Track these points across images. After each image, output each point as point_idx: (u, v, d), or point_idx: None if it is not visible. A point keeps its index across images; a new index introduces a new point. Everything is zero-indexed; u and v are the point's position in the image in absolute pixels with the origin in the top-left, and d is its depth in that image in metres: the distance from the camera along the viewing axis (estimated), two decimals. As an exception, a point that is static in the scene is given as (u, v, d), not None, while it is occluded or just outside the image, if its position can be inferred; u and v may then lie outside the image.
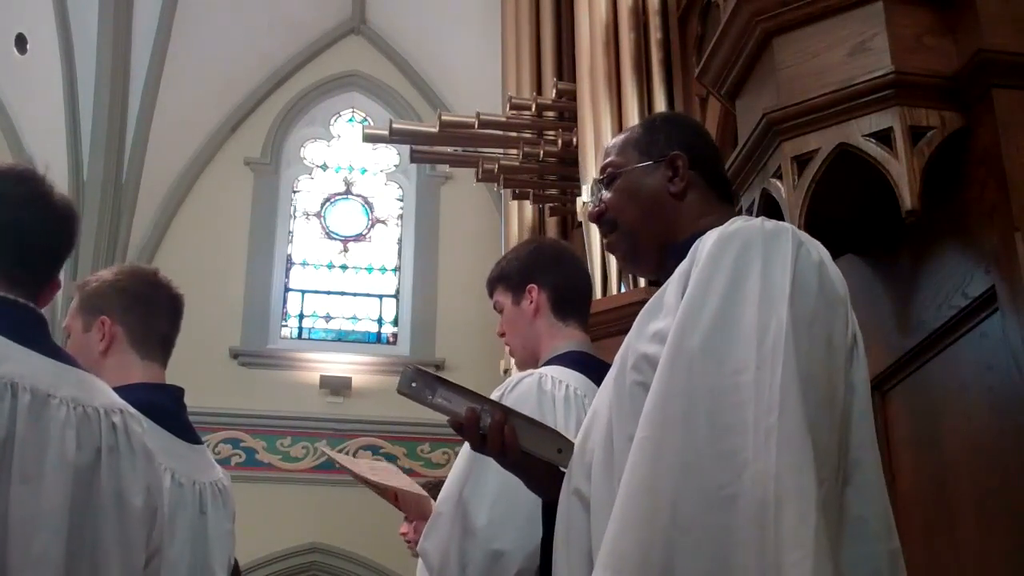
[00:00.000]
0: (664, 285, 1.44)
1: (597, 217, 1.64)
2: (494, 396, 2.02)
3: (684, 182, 1.56)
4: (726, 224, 1.39)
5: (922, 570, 2.16)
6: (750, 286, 1.29)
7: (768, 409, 1.19)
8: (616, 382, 1.41)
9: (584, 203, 4.25)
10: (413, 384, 1.48)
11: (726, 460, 1.19)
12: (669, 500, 1.20)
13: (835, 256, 2.39)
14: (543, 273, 2.19)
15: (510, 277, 2.23)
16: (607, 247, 1.67)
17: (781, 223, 1.40)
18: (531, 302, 2.18)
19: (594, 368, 2.08)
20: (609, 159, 1.64)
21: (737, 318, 1.27)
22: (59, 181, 1.84)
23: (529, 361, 2.24)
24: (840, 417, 1.29)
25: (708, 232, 1.39)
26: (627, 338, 1.44)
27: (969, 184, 2.08)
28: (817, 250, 1.38)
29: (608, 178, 1.62)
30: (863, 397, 1.35)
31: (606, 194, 1.62)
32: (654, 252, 1.58)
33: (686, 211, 1.56)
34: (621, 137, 1.68)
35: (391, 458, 8.52)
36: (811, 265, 1.34)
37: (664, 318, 1.36)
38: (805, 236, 1.38)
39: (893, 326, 2.30)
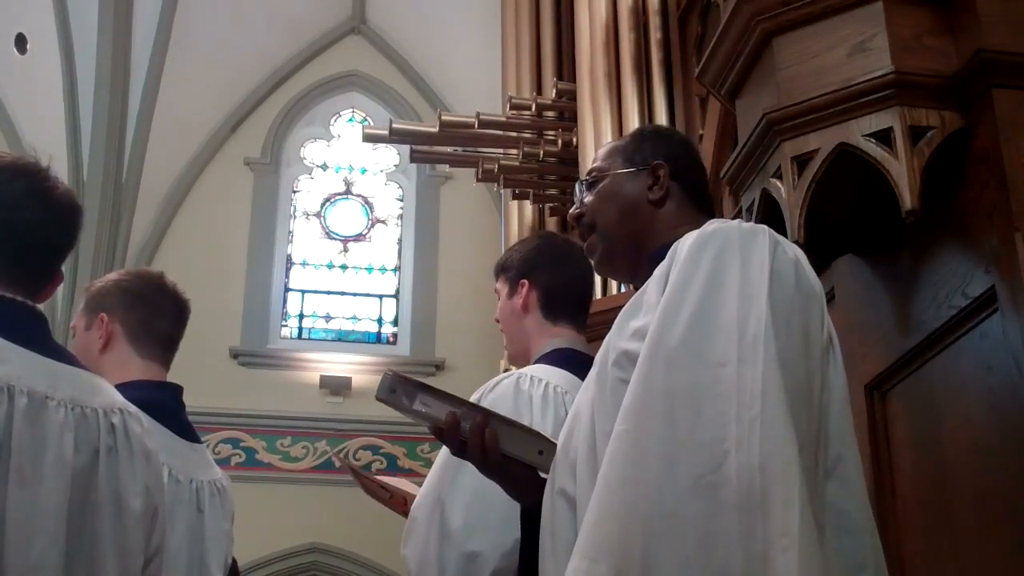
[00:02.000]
0: (644, 285, 1.45)
1: (577, 219, 1.68)
2: (473, 397, 2.02)
3: (663, 191, 1.60)
4: (704, 225, 1.42)
5: (922, 569, 2.16)
6: (729, 282, 1.31)
7: (751, 401, 1.21)
8: (598, 380, 1.42)
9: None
10: (393, 391, 1.47)
11: (707, 450, 1.20)
12: (649, 489, 1.20)
13: (835, 256, 2.42)
14: (539, 271, 2.19)
15: (510, 268, 2.23)
16: (585, 249, 1.70)
17: (757, 224, 1.43)
18: (520, 298, 2.18)
19: (583, 365, 2.06)
20: (595, 164, 1.69)
21: (717, 313, 1.29)
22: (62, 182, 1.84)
23: (519, 355, 2.24)
24: (817, 408, 1.31)
25: (687, 234, 1.42)
26: (608, 337, 1.45)
27: (969, 184, 2.08)
28: (793, 250, 1.41)
29: (591, 181, 1.67)
30: (841, 393, 1.38)
31: (587, 197, 1.66)
32: (628, 256, 1.61)
33: (663, 219, 1.59)
34: (610, 144, 1.73)
35: (391, 458, 8.53)
36: (787, 262, 1.37)
37: (644, 316, 1.38)
38: (780, 236, 1.41)
39: (893, 326, 2.30)
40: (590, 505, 1.25)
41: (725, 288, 1.31)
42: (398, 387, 1.46)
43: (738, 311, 1.28)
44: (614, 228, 1.62)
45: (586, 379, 1.51)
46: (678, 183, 1.62)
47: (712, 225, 1.41)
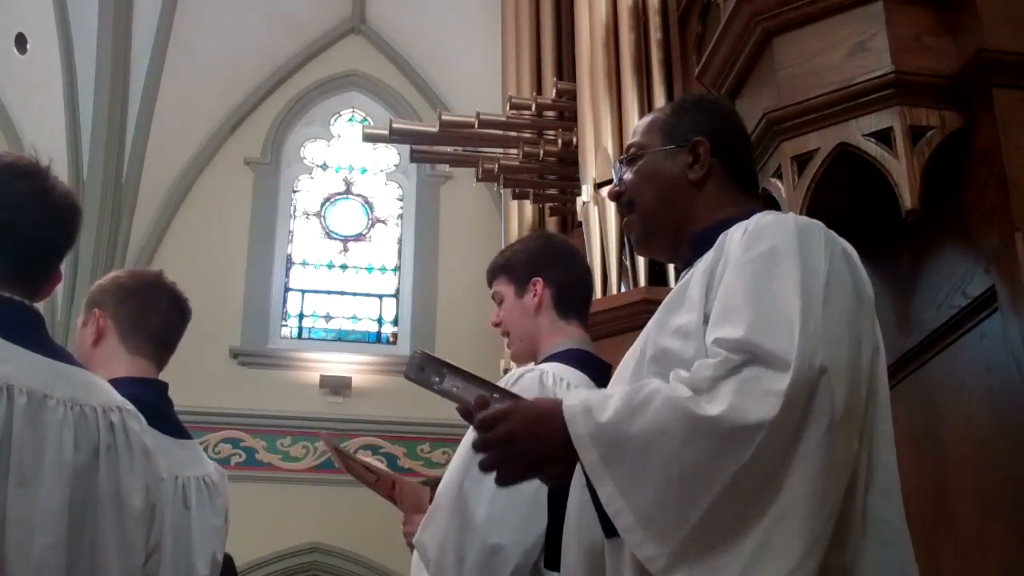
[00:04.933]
0: (686, 279, 1.42)
1: (616, 196, 1.62)
2: None
3: (704, 170, 1.54)
4: (757, 216, 1.37)
5: (922, 569, 2.16)
6: (788, 281, 1.26)
7: (814, 434, 1.18)
8: (635, 375, 1.39)
9: (584, 202, 4.26)
10: (422, 369, 1.46)
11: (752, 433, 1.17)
12: (678, 448, 1.18)
13: (835, 256, 2.41)
14: (550, 268, 2.19)
15: (515, 268, 2.22)
16: (624, 227, 1.66)
17: (813, 220, 1.38)
18: (534, 295, 2.17)
19: (594, 366, 2.08)
20: (634, 139, 1.62)
21: (775, 312, 1.23)
22: (61, 182, 1.84)
23: (526, 354, 2.24)
24: (861, 420, 1.27)
25: (736, 225, 1.37)
26: (645, 331, 1.42)
27: (969, 184, 2.08)
28: (847, 248, 1.36)
29: (630, 158, 1.61)
30: (885, 399, 1.35)
31: (627, 174, 1.60)
32: (668, 237, 1.56)
33: (705, 200, 1.53)
34: (649, 117, 1.65)
35: (391, 458, 8.52)
36: (843, 265, 1.32)
37: (687, 313, 1.34)
38: (834, 234, 1.36)
39: (893, 326, 2.30)
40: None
41: (783, 287, 1.25)
42: (427, 366, 1.45)
43: (801, 312, 1.21)
44: (653, 209, 1.55)
45: (618, 371, 1.49)
46: (720, 160, 1.54)
47: (766, 217, 1.36)
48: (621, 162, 1.63)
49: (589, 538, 1.37)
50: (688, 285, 1.39)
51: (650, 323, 1.42)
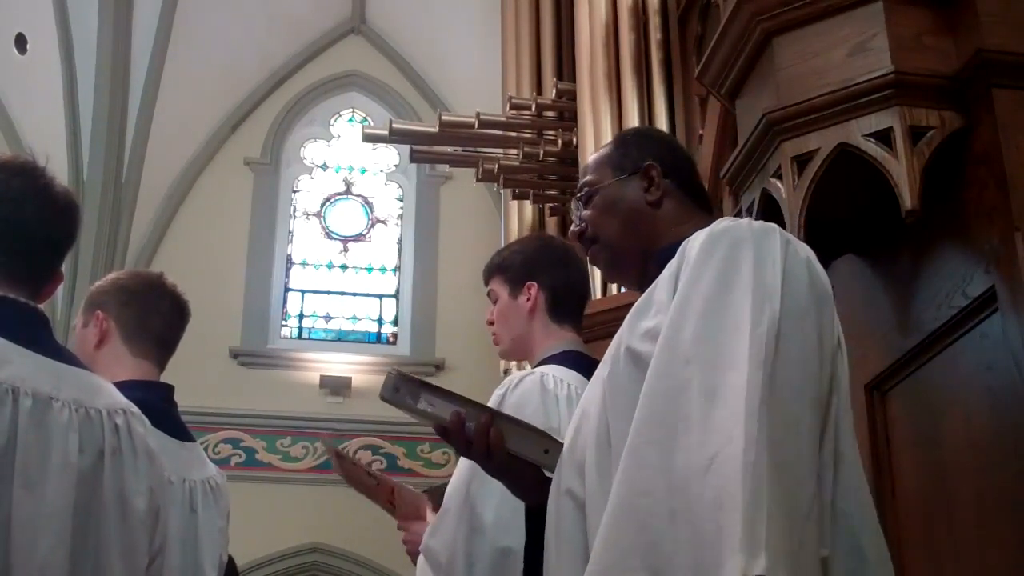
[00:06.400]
0: (654, 283, 1.45)
1: (579, 236, 1.67)
2: (496, 394, 2.02)
3: (660, 191, 1.60)
4: (714, 223, 1.42)
5: (922, 568, 2.16)
6: (742, 281, 1.30)
7: (761, 401, 1.20)
8: (609, 381, 1.41)
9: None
10: (397, 390, 1.46)
11: (721, 435, 1.19)
12: (660, 485, 1.20)
13: (835, 256, 2.42)
14: (545, 272, 2.20)
15: (510, 269, 2.23)
16: (590, 260, 1.69)
17: (768, 223, 1.42)
18: (528, 299, 2.18)
19: (591, 369, 2.08)
20: (585, 178, 1.68)
21: (729, 312, 1.28)
22: (59, 181, 1.84)
23: (514, 355, 2.25)
24: (827, 412, 1.30)
25: (696, 233, 1.41)
26: (617, 336, 1.45)
27: (969, 184, 2.08)
28: (804, 249, 1.40)
29: (586, 197, 1.66)
30: (846, 393, 1.37)
31: (585, 212, 1.65)
32: (635, 261, 1.61)
33: (664, 219, 1.59)
34: (595, 156, 1.72)
35: (391, 458, 8.53)
36: (799, 262, 1.36)
37: (655, 316, 1.37)
38: (791, 235, 1.41)
39: (893, 326, 2.30)
40: (605, 513, 1.24)
41: (738, 287, 1.30)
42: (402, 386, 1.46)
43: (751, 311, 1.26)
44: (619, 237, 1.61)
45: (593, 377, 1.51)
46: (672, 180, 1.61)
47: (723, 223, 1.40)
48: (577, 202, 1.69)
49: (571, 549, 1.38)
50: (655, 288, 1.42)
51: (622, 327, 1.44)
